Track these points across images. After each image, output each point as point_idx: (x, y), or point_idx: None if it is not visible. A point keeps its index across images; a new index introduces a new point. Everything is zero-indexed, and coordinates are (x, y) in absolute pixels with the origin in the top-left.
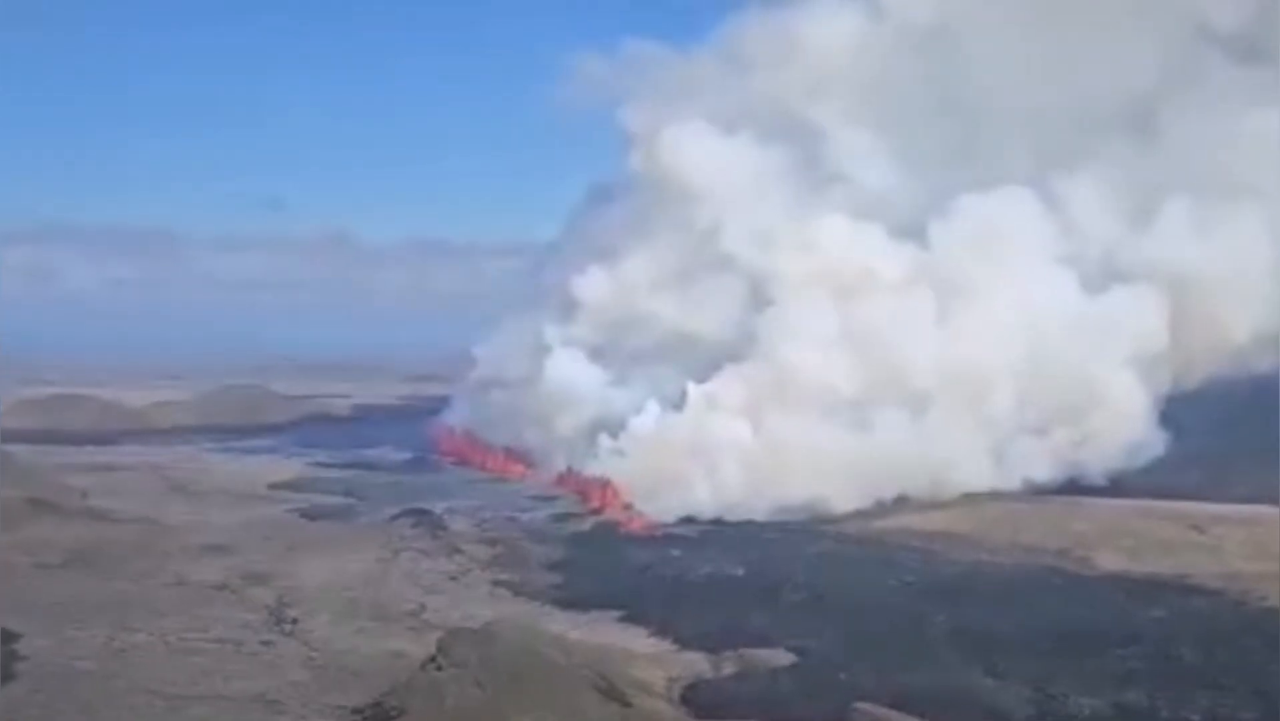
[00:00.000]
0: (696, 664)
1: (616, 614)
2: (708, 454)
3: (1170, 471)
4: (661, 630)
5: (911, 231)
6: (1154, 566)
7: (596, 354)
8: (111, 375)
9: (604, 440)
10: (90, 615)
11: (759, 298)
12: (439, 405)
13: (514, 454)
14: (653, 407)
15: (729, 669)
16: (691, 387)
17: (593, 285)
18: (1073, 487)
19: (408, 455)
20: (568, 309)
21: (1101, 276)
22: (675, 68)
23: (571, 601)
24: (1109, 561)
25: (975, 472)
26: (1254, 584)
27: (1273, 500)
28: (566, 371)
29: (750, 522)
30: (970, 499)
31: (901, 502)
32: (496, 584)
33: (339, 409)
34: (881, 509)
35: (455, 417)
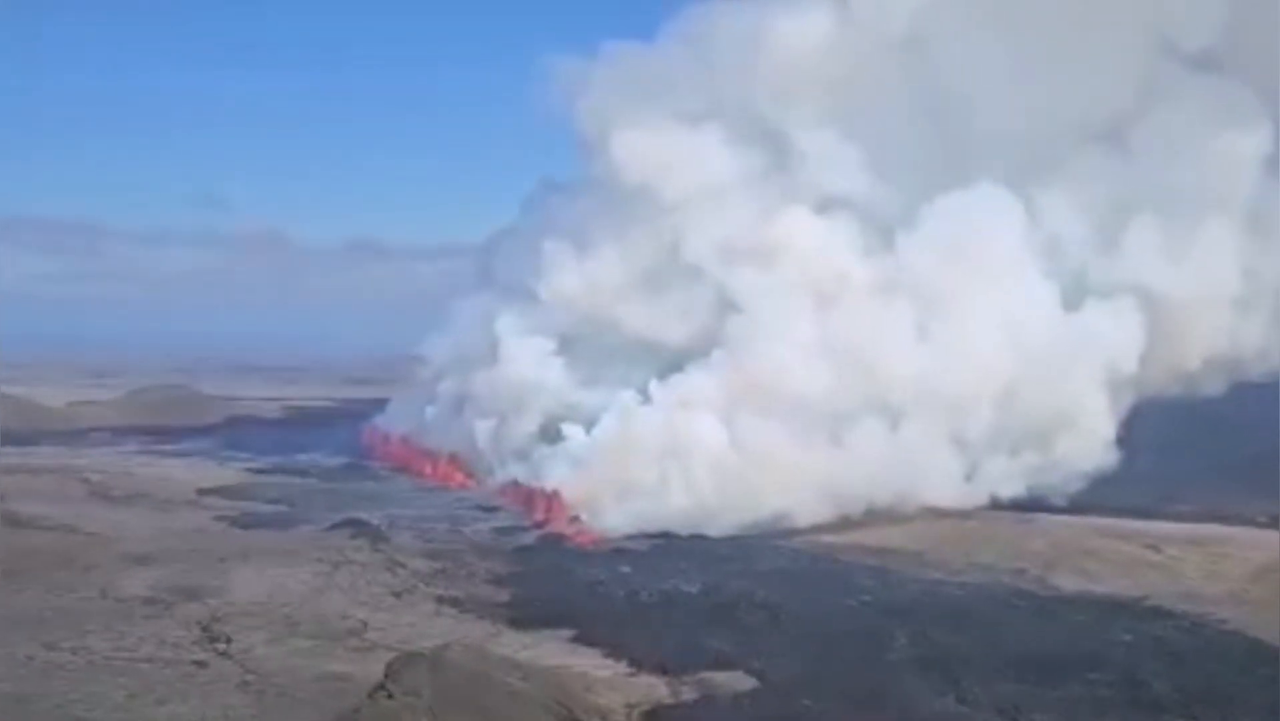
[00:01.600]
0: (655, 688)
1: (567, 633)
2: (663, 462)
3: (1120, 489)
4: (615, 651)
5: (882, 236)
6: (1112, 587)
7: (559, 348)
8: (27, 373)
9: (555, 446)
10: (8, 631)
11: (725, 302)
12: (373, 409)
13: (455, 461)
14: (610, 412)
15: (689, 694)
16: (653, 389)
17: (556, 276)
18: (1023, 505)
19: (343, 460)
20: (527, 301)
21: (1076, 291)
22: (634, 64)
23: (520, 620)
24: (1067, 581)
25: (942, 490)
26: (1212, 606)
27: (1221, 519)
28: (524, 364)
29: (701, 537)
30: (920, 515)
31: (858, 518)
32: (441, 600)
33: (269, 411)
34: (831, 525)
35: (393, 422)
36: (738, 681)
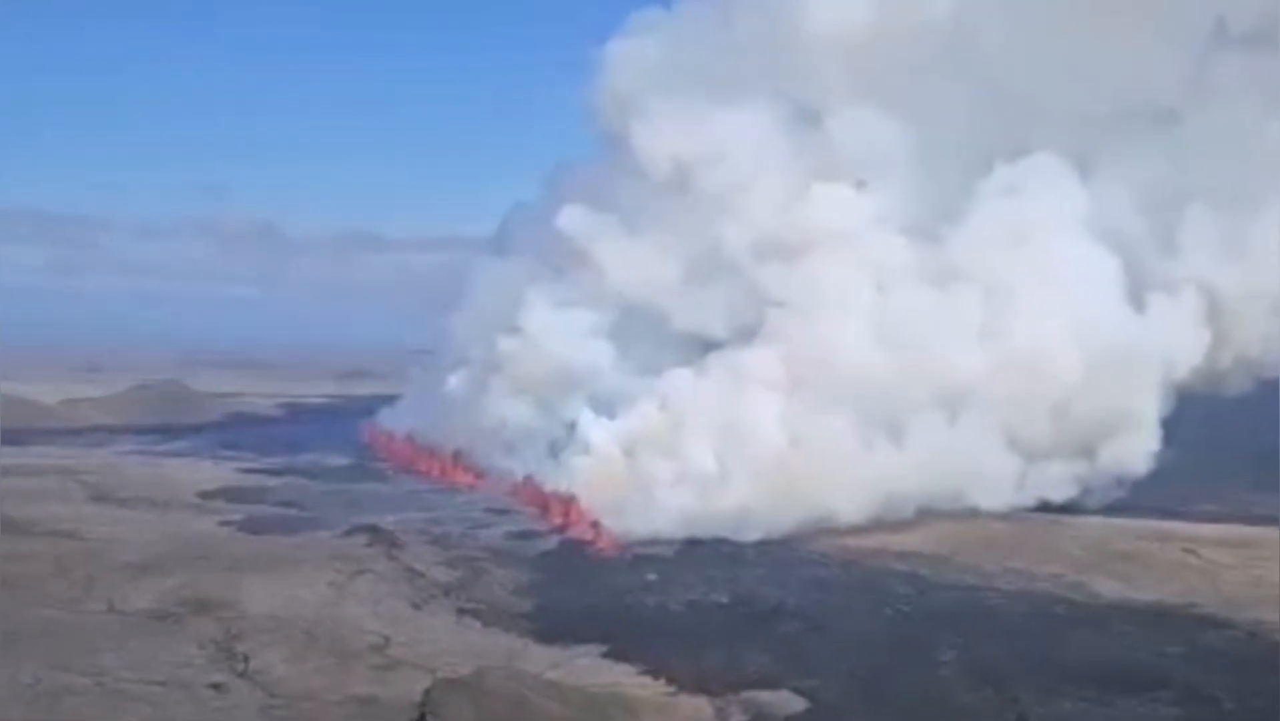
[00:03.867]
0: (701, 710)
1: (598, 648)
2: (717, 446)
3: (1148, 489)
4: (651, 668)
5: (935, 222)
6: (1155, 594)
7: (603, 329)
8: (16, 368)
9: (582, 433)
10: (13, 649)
11: (770, 296)
12: (370, 404)
13: (461, 460)
14: (648, 396)
15: (736, 716)
16: (709, 362)
17: (598, 252)
18: (1050, 506)
19: (346, 460)
20: (563, 278)
21: (1135, 286)
22: (654, 42)
23: (547, 634)
24: (1107, 587)
25: (993, 495)
26: (1260, 613)
27: (1251, 520)
28: (562, 341)
29: (725, 541)
30: (945, 518)
31: (889, 521)
32: (462, 612)
33: (265, 407)
34: (856, 528)
35: (395, 419)
36: (786, 702)
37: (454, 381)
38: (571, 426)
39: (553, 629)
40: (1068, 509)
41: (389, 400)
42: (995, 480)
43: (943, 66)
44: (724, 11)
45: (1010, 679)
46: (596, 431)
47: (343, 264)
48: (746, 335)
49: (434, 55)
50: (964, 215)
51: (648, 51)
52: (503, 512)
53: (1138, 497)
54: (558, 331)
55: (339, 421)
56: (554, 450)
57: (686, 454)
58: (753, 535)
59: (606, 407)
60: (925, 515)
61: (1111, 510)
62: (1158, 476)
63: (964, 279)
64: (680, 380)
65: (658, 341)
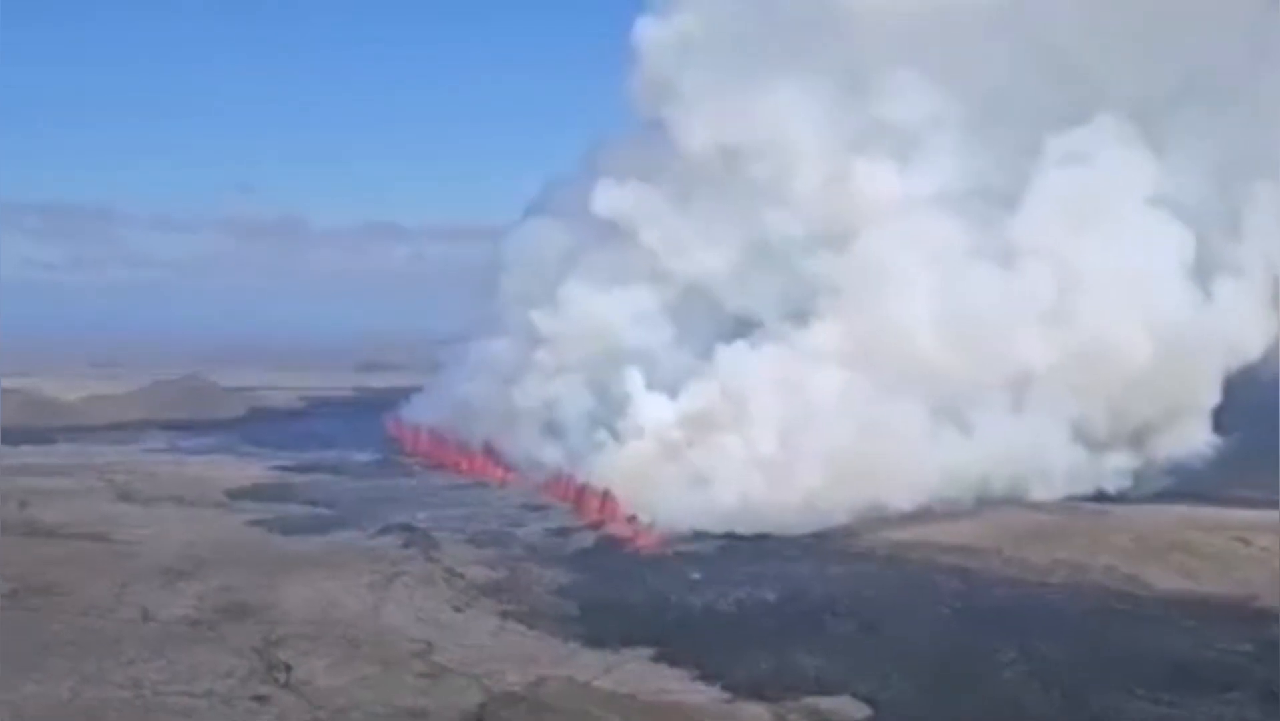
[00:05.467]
0: (760, 719)
1: (648, 651)
2: (755, 440)
3: (1190, 474)
4: (706, 673)
5: (998, 202)
6: (1213, 586)
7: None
8: (35, 364)
9: (630, 414)
10: (47, 661)
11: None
12: (390, 397)
13: (491, 454)
14: (701, 375)
15: None
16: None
17: (645, 224)
18: (1100, 496)
19: (372, 456)
20: (602, 248)
21: (1201, 269)
22: (688, 23)
23: (593, 637)
24: (1162, 580)
25: (1052, 485)
26: None
27: None
28: (614, 317)
29: (765, 537)
30: (989, 509)
31: (936, 513)
32: (505, 615)
33: (287, 401)
34: (896, 521)
35: (420, 413)
36: (848, 709)
37: (487, 364)
38: (619, 405)
39: (599, 631)
40: (1108, 497)
41: (410, 392)
42: (1055, 471)
43: (995, 34)
44: None
45: (1078, 680)
46: (652, 408)
47: (361, 254)
48: (800, 318)
49: (454, 45)
50: (1025, 186)
51: (681, 28)
52: (538, 508)
53: (1181, 484)
54: (605, 308)
55: (361, 415)
56: (599, 431)
57: (750, 437)
58: (806, 527)
59: (658, 385)
60: (967, 506)
61: (1155, 498)
62: (1199, 462)
63: (1028, 255)
64: (739, 357)
65: (708, 321)
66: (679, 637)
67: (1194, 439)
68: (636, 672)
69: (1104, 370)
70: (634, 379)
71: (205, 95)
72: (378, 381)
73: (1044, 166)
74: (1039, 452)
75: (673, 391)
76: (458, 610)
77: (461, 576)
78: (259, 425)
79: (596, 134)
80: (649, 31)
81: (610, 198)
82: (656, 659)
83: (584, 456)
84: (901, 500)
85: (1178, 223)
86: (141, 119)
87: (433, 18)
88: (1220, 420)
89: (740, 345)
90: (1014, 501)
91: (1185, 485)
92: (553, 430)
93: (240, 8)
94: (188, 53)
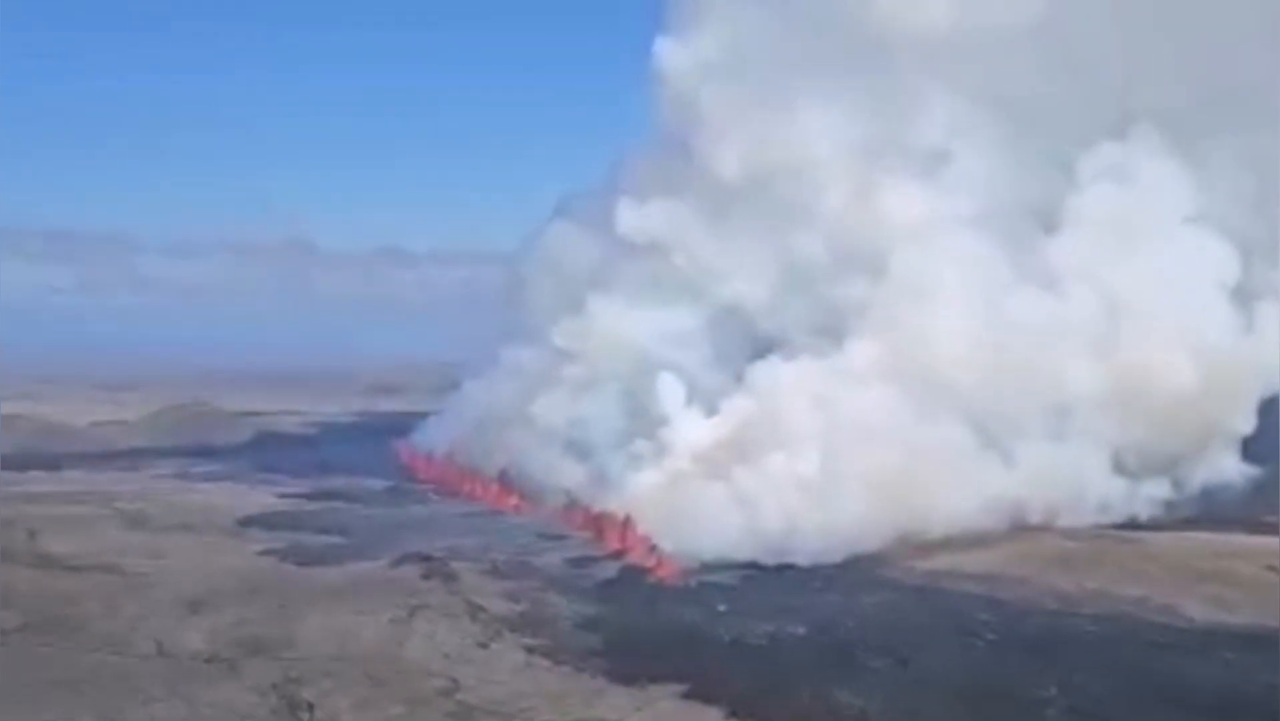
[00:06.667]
0: None
1: (678, 688)
2: (795, 460)
3: (1215, 501)
4: (739, 711)
5: (1035, 221)
6: (1250, 616)
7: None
8: (42, 389)
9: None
10: (61, 700)
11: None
12: (400, 422)
13: (506, 481)
14: (733, 395)
15: None
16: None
17: (675, 242)
18: (1131, 523)
19: (384, 482)
20: (629, 264)
21: (1241, 291)
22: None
23: (621, 673)
24: (1198, 611)
25: (1086, 513)
26: None
27: None
28: (642, 330)
29: (790, 567)
30: (1016, 536)
31: (960, 541)
32: (531, 650)
33: (296, 427)
34: (923, 549)
35: (432, 437)
36: None
37: (507, 378)
38: (655, 423)
39: (627, 667)
40: (1139, 525)
41: (419, 417)
42: (1089, 498)
43: (1024, 49)
44: None
45: (1122, 717)
46: (689, 426)
47: (369, 279)
48: (835, 337)
49: (462, 69)
50: (1059, 202)
51: (702, 49)
52: (555, 537)
53: (1211, 511)
54: (636, 325)
55: (370, 440)
56: (633, 445)
57: (791, 455)
58: (843, 551)
59: (694, 404)
60: (999, 533)
61: (1185, 525)
62: (1229, 490)
63: (1070, 278)
64: (775, 371)
65: (741, 341)
66: (708, 673)
67: (1225, 466)
68: (669, 712)
69: (1147, 398)
70: (673, 394)
71: (214, 120)
72: (385, 405)
73: (1079, 183)
74: (1077, 480)
75: (709, 410)
76: (481, 646)
77: (484, 609)
78: (268, 451)
79: (615, 152)
80: (670, 53)
81: (637, 216)
82: (688, 696)
83: (611, 476)
84: (937, 525)
85: (1219, 240)
86: (151, 143)
87: (441, 45)
88: (1249, 447)
89: (775, 359)
90: (1045, 528)
91: (1215, 512)
92: (575, 449)
93: (250, 34)
94: (197, 79)
